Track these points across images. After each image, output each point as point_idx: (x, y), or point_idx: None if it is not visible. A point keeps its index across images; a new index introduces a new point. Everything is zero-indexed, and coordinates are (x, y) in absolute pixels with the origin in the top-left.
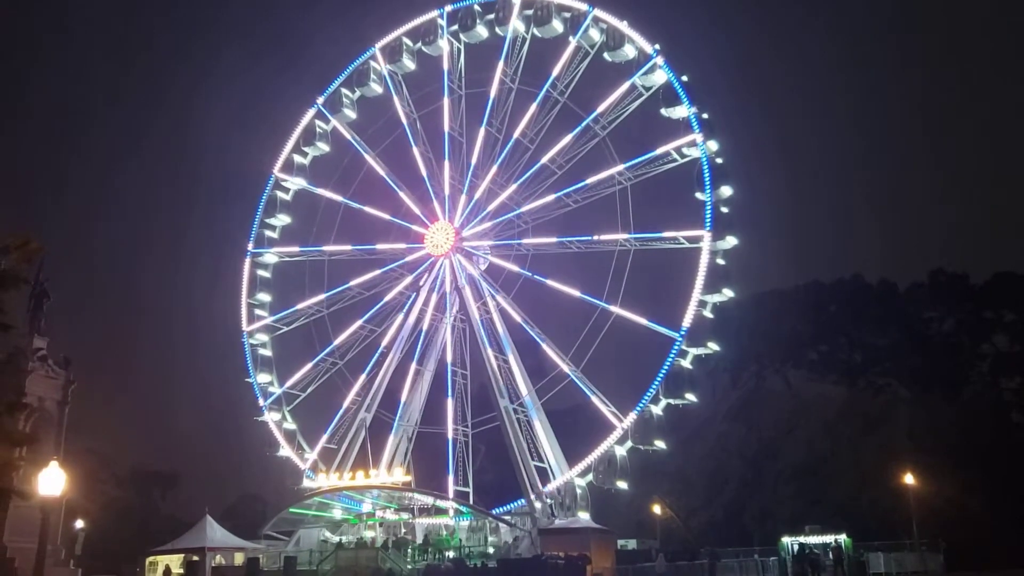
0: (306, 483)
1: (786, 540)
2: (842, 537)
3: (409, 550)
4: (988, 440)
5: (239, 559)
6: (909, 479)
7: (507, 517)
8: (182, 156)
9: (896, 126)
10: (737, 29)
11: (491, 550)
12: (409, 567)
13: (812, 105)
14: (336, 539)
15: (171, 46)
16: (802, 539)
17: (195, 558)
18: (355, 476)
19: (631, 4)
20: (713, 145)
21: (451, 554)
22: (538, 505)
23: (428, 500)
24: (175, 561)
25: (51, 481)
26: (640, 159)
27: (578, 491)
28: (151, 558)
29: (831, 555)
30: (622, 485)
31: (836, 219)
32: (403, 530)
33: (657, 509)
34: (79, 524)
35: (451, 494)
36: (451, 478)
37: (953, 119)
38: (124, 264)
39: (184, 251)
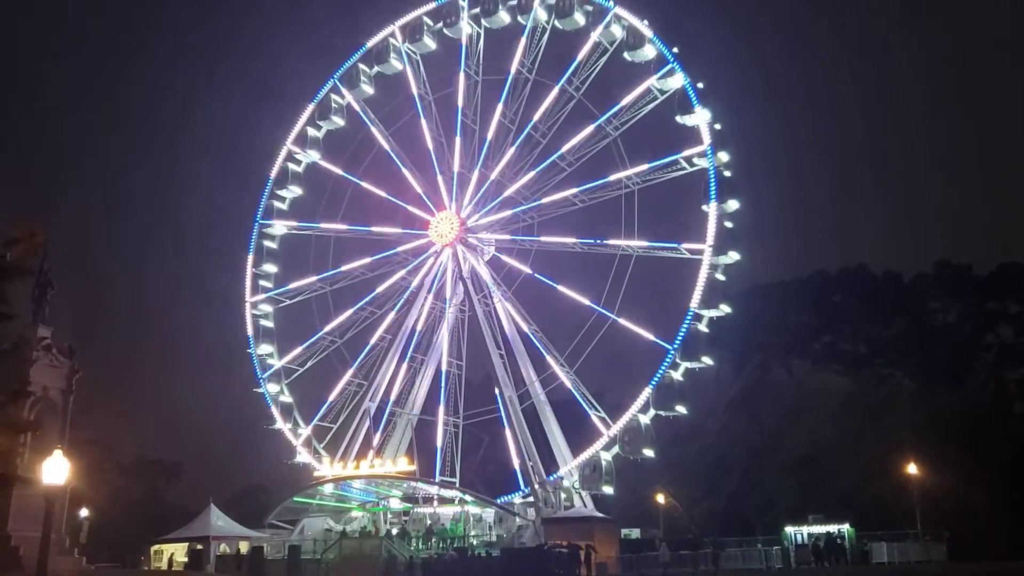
0: (298, 459)
1: (789, 530)
2: (845, 527)
3: (413, 539)
4: (991, 431)
5: (243, 548)
6: (912, 469)
7: (511, 506)
8: (192, 132)
9: (902, 118)
10: (746, 25)
11: (495, 539)
12: (413, 556)
13: (817, 96)
14: (340, 528)
15: (186, 19)
16: (822, 528)
17: (199, 547)
18: (359, 465)
19: (653, 4)
20: (724, 156)
21: (455, 543)
22: (541, 494)
23: (432, 489)
24: (180, 550)
25: (55, 470)
26: (650, 165)
27: (562, 494)
28: (156, 547)
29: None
30: (607, 490)
31: (842, 210)
32: (407, 519)
33: (660, 498)
34: (84, 513)
35: (420, 485)
36: (437, 468)
37: (960, 110)
38: (129, 253)
39: (190, 237)
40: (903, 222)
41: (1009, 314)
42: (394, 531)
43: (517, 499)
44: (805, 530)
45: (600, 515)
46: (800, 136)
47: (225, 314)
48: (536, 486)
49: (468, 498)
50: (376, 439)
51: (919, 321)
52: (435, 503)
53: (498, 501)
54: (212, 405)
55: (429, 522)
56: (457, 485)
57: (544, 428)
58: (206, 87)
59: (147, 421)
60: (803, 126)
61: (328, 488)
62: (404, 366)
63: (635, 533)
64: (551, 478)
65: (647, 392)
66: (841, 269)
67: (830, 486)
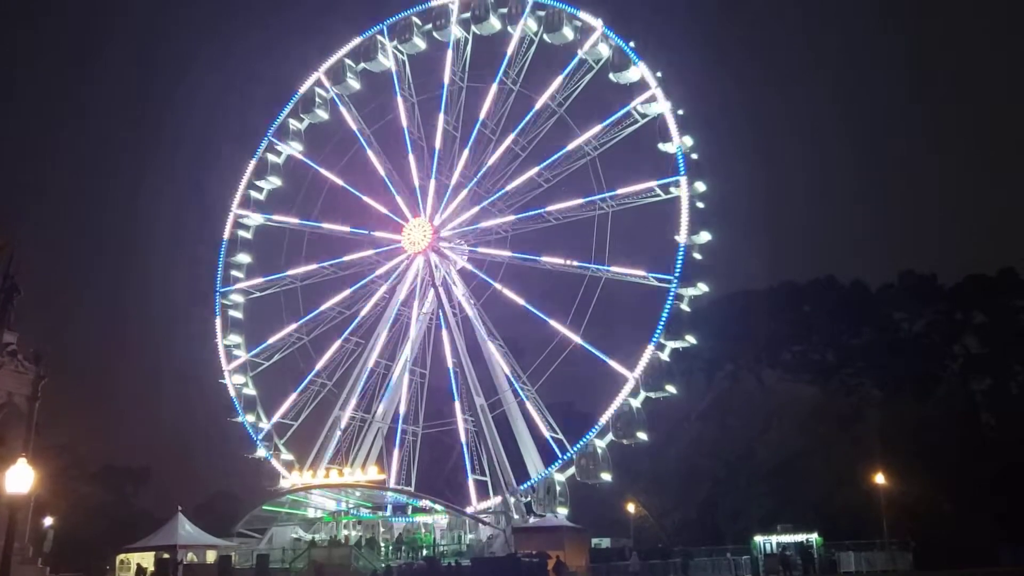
0: (258, 454)
1: (759, 539)
2: (813, 536)
3: (382, 548)
4: (959, 440)
5: (211, 557)
6: (880, 479)
7: (482, 516)
8: (168, 126)
9: (872, 129)
10: (727, 46)
11: (465, 549)
12: (382, 566)
13: (791, 109)
14: (309, 537)
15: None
16: (790, 537)
17: (166, 556)
18: (328, 474)
19: (641, 26)
20: (700, 187)
21: (425, 552)
22: (514, 500)
23: (402, 498)
24: (147, 558)
25: (19, 478)
26: (625, 190)
27: (512, 510)
28: (122, 556)
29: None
30: (562, 511)
31: (811, 220)
32: (378, 529)
33: (631, 508)
34: (48, 521)
35: (389, 494)
36: (392, 476)
37: (927, 124)
38: (99, 255)
39: (162, 238)
40: (873, 232)
41: (974, 324)
42: (364, 540)
43: (468, 509)
44: (774, 539)
45: (571, 524)
46: (772, 148)
47: (196, 317)
48: (507, 494)
49: (439, 507)
50: (337, 445)
51: (886, 331)
52: (408, 512)
53: (468, 510)
54: (182, 412)
55: (400, 531)
56: (412, 491)
57: (518, 436)
58: (183, 79)
59: (116, 427)
60: (774, 135)
61: (297, 497)
62: (369, 371)
63: (605, 542)
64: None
65: (605, 418)
66: (810, 279)
67: (800, 495)
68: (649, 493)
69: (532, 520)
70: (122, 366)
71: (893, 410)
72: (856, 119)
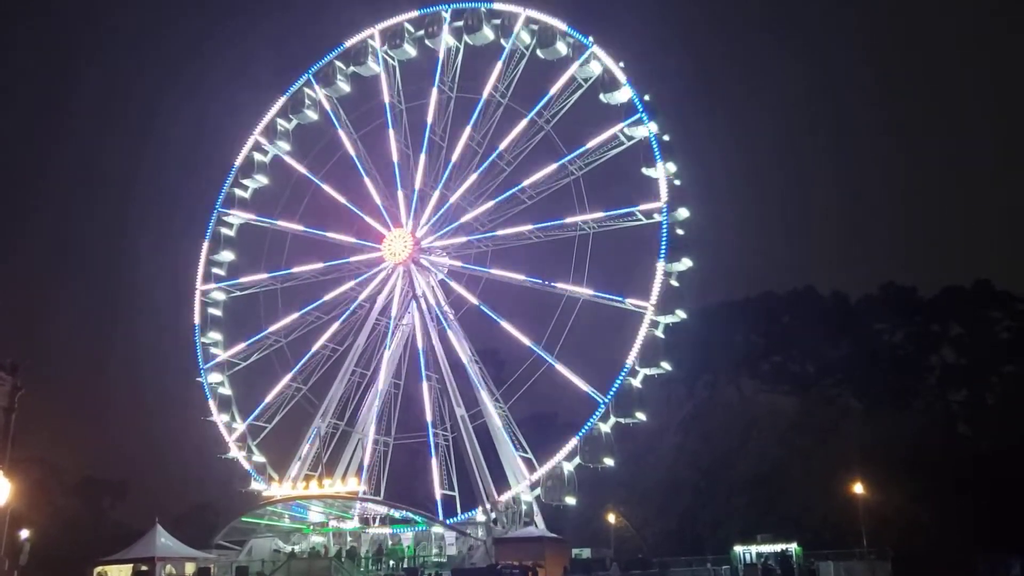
0: (230, 455)
1: (738, 549)
2: (793, 546)
3: (362, 560)
4: (936, 451)
5: (190, 569)
6: (859, 489)
7: (462, 527)
8: (155, 127)
9: (850, 139)
10: (696, 36)
11: (445, 560)
12: None
13: (769, 116)
14: (288, 549)
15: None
16: (770, 547)
17: (144, 568)
18: (308, 485)
19: (633, 46)
20: (682, 213)
21: (405, 564)
22: (493, 515)
23: (382, 509)
24: (124, 571)
25: None
26: (607, 213)
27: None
28: (99, 568)
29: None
30: (527, 528)
31: (790, 231)
32: (357, 540)
33: (611, 518)
34: (24, 534)
35: (369, 505)
36: (361, 487)
37: (908, 135)
38: (75, 263)
39: (144, 241)
40: (851, 243)
41: (951, 336)
42: (344, 552)
43: (438, 528)
44: (754, 549)
45: (552, 535)
46: (749, 153)
47: (178, 320)
48: (487, 506)
49: (419, 518)
50: (315, 455)
51: (866, 342)
52: (388, 523)
53: (450, 521)
54: (162, 422)
55: (380, 543)
56: (394, 503)
57: (499, 448)
58: (176, 79)
59: (93, 439)
60: (752, 143)
61: (277, 508)
62: (347, 381)
63: (586, 553)
64: (468, 515)
65: (573, 442)
66: (790, 290)
67: (780, 505)
68: (629, 504)
69: (512, 531)
70: (103, 374)
71: (872, 421)
72: (837, 132)
